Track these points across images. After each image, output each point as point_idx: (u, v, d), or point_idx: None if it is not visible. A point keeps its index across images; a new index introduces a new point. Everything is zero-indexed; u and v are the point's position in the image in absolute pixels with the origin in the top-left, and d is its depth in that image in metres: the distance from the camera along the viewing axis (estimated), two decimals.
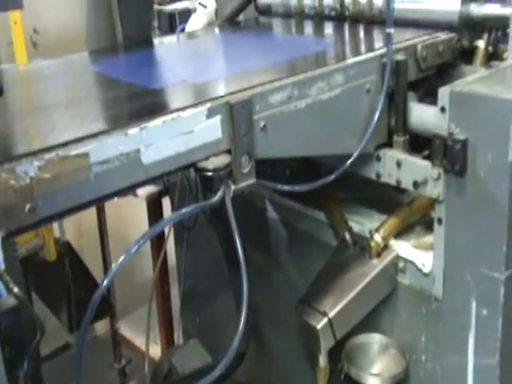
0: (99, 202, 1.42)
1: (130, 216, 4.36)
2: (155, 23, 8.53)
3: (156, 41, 2.65)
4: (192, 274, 3.19)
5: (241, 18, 2.93)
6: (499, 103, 1.63)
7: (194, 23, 2.92)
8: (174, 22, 9.05)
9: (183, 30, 2.96)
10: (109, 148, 1.40)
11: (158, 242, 3.41)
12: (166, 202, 3.44)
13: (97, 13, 2.71)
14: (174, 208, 3.04)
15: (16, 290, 1.09)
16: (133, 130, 1.44)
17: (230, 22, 2.82)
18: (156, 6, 8.18)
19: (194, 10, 2.93)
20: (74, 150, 1.34)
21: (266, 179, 1.77)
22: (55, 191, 1.31)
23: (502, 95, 1.64)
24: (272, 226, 2.53)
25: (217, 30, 2.83)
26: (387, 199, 2.25)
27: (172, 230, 3.18)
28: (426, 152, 2.02)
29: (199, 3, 2.92)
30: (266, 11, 2.96)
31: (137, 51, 2.44)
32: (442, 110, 1.76)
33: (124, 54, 2.50)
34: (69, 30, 4.06)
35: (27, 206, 1.27)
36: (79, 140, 1.37)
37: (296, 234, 2.42)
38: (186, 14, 8.87)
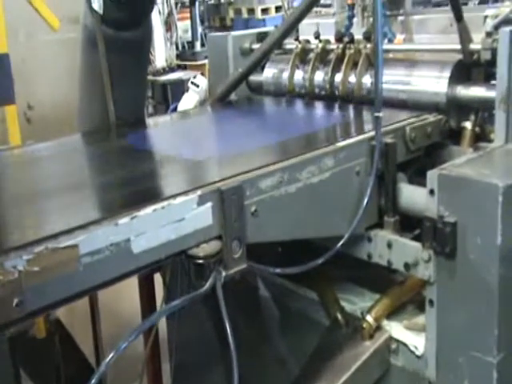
0: (89, 293, 1.41)
1: (122, 290, 4.31)
2: (149, 93, 8.70)
3: (149, 121, 2.68)
4: (183, 348, 3.14)
5: (233, 95, 2.96)
6: (487, 187, 1.65)
7: (187, 102, 2.96)
8: (167, 92, 9.23)
9: (175, 108, 2.99)
10: (99, 239, 1.39)
11: None
12: (158, 276, 3.41)
13: (89, 92, 2.76)
14: (165, 284, 3.02)
15: None
16: (123, 220, 1.44)
17: (222, 101, 2.85)
18: (150, 77, 8.36)
19: (187, 90, 2.98)
20: (64, 242, 1.34)
21: (257, 258, 1.76)
22: (44, 284, 1.30)
23: (490, 179, 1.66)
24: (264, 304, 2.51)
25: (209, 109, 2.86)
26: (379, 277, 2.24)
27: (163, 304, 3.14)
28: (417, 231, 2.03)
29: (191, 82, 2.97)
30: (258, 89, 3.02)
31: (130, 133, 2.46)
32: (431, 192, 1.78)
33: (117, 136, 2.53)
34: (63, 105, 4.11)
35: (15, 300, 1.26)
36: (69, 231, 1.37)
37: (288, 313, 2.40)
38: (179, 85, 9.02)
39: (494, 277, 1.67)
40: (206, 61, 8.70)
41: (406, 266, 1.92)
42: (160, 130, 2.63)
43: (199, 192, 1.59)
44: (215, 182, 1.65)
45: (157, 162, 2.11)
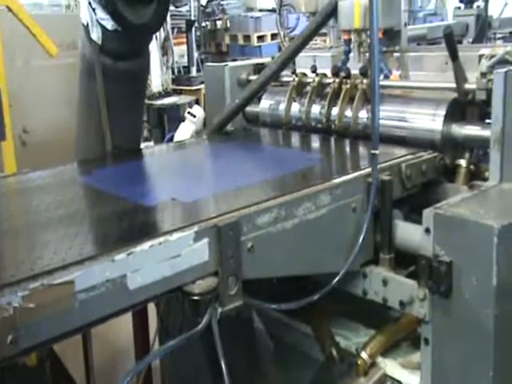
0: (84, 330, 1.40)
1: None
2: (144, 117, 8.75)
3: (145, 150, 2.68)
4: (176, 379, 3.12)
5: (229, 126, 2.96)
6: (482, 229, 1.66)
7: (183, 132, 2.96)
8: (162, 116, 9.29)
9: (172, 138, 2.99)
10: (95, 275, 1.39)
11: (144, 346, 3.34)
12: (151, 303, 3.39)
13: (87, 121, 2.76)
14: (159, 313, 3.00)
15: None
16: (120, 256, 1.44)
17: (218, 132, 2.85)
18: (146, 101, 8.42)
19: (183, 119, 2.99)
20: (59, 278, 1.33)
21: (252, 291, 1.76)
22: (39, 321, 1.30)
23: (485, 220, 1.66)
24: (258, 337, 2.49)
25: (206, 141, 2.86)
26: (375, 313, 2.23)
27: (157, 337, 3.12)
28: (412, 268, 2.03)
29: (188, 112, 2.98)
30: (254, 120, 3.03)
31: (126, 163, 2.46)
32: (427, 231, 1.78)
33: (113, 166, 2.53)
34: (58, 130, 4.12)
35: (9, 337, 1.25)
36: (64, 267, 1.36)
37: (282, 347, 2.39)
38: (175, 109, 9.04)
39: (489, 317, 1.67)
40: (201, 86, 8.81)
41: (402, 303, 1.92)
42: (156, 161, 2.63)
43: (196, 228, 1.59)
44: (212, 218, 1.66)
45: (153, 196, 2.11)
